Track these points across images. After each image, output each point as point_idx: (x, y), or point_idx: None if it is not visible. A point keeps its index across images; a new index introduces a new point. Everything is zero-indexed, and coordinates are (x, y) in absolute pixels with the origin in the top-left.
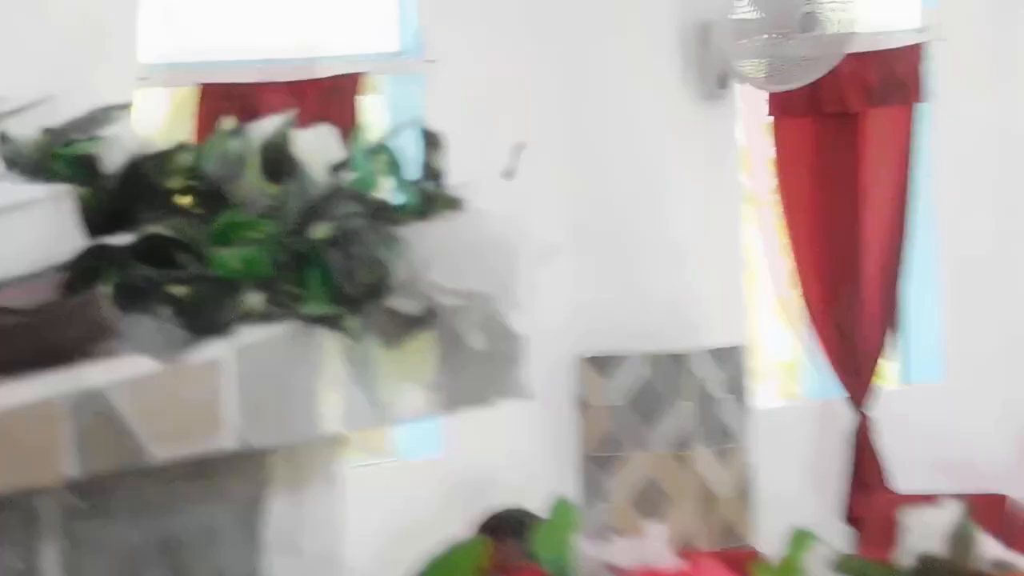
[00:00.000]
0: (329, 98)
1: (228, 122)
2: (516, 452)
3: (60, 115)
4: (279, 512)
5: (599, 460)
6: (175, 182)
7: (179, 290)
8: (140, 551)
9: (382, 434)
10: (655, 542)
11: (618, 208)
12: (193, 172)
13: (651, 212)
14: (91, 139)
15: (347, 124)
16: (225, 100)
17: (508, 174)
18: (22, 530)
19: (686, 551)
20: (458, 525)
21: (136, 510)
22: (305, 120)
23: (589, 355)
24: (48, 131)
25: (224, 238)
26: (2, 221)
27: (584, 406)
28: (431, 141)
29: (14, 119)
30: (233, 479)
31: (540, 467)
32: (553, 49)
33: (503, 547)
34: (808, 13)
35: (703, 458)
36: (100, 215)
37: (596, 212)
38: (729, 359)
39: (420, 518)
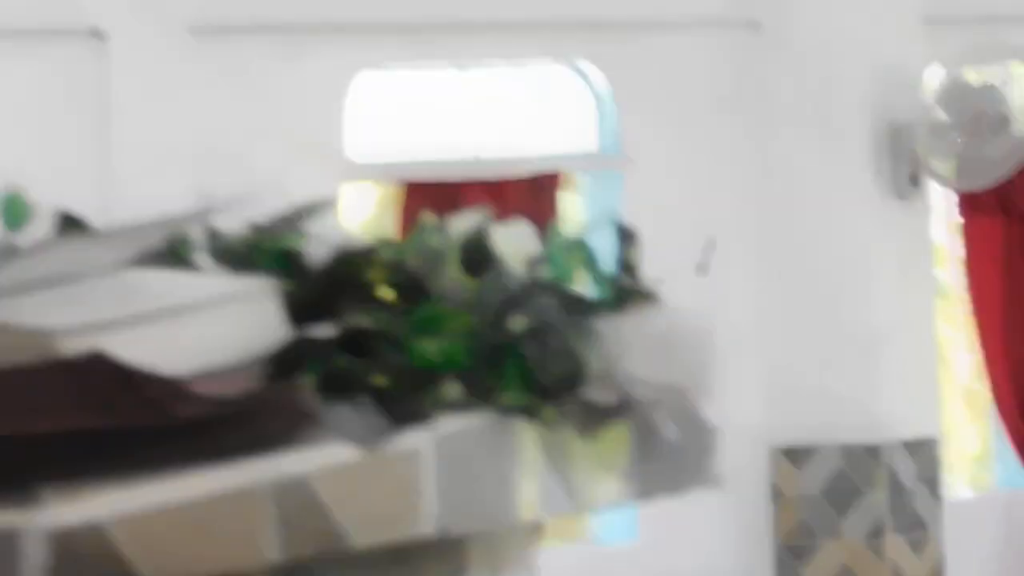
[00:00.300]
0: (529, 195)
1: (429, 217)
2: (711, 540)
3: (267, 211)
4: None
5: (793, 549)
6: (377, 275)
7: (380, 380)
8: None
9: (578, 521)
10: None
11: (811, 301)
12: (395, 266)
13: (844, 305)
14: (296, 234)
15: (546, 220)
16: (428, 197)
17: (702, 269)
18: None
19: None
20: None
21: None
22: (506, 217)
23: (782, 446)
24: (255, 226)
25: (424, 330)
26: (210, 313)
27: (778, 495)
28: (626, 236)
29: (223, 215)
30: (432, 566)
31: (735, 555)
32: (747, 147)
33: None
34: (999, 115)
35: (896, 547)
36: (304, 307)
37: (790, 306)
38: (921, 450)
39: None
